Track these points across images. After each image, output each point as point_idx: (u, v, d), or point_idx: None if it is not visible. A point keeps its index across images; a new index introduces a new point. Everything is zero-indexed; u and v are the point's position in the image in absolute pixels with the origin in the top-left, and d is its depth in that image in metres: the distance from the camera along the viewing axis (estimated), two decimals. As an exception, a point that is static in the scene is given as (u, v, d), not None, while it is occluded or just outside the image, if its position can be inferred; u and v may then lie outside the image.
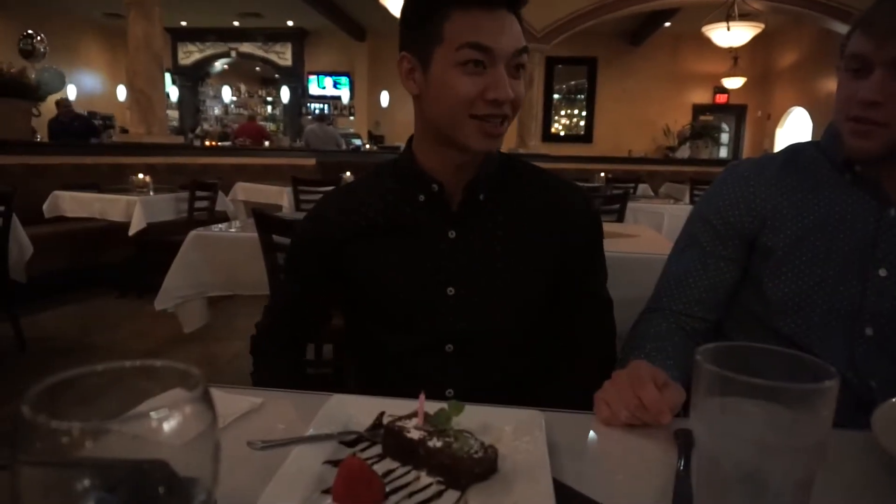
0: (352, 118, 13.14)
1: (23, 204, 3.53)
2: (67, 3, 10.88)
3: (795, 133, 11.00)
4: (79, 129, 7.37)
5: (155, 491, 0.34)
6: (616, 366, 0.99)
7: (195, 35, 13.19)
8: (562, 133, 12.80)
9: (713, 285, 1.09)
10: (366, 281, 1.04)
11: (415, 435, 0.68)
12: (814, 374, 0.49)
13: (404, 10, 0.98)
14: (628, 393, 0.77)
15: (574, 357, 1.12)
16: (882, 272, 0.96)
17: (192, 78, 13.78)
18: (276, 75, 13.66)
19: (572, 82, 12.64)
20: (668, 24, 10.67)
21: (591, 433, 0.78)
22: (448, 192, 1.02)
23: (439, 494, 0.62)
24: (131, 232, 4.18)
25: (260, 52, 13.33)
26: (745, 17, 7.96)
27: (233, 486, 0.59)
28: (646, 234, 2.78)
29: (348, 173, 5.36)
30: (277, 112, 14.31)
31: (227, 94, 14.25)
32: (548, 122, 12.47)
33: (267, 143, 9.72)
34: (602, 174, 5.96)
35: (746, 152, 12.39)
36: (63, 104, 7.50)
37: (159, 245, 4.14)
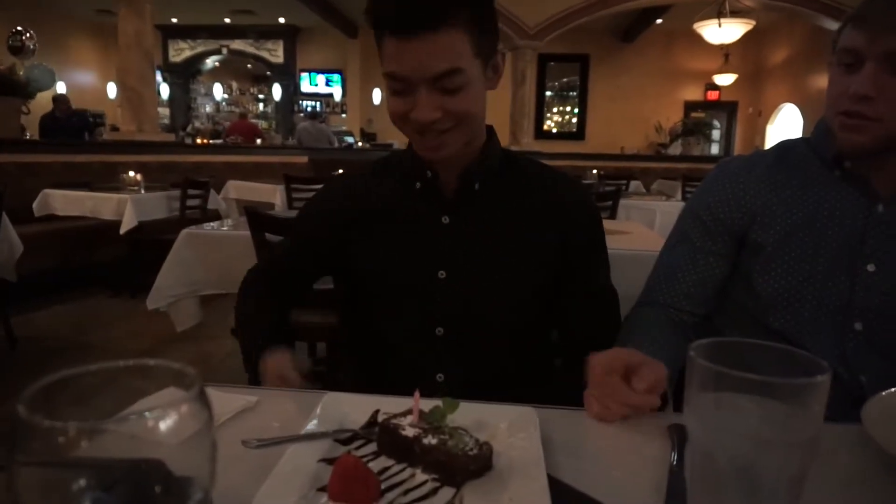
0: (344, 116, 13.11)
1: (12, 202, 3.50)
2: (59, 0, 10.79)
3: (786, 130, 11.05)
4: (77, 124, 7.35)
5: (151, 490, 0.34)
6: None
7: (186, 32, 13.12)
8: (554, 130, 12.82)
9: (702, 280, 1.10)
10: (361, 263, 1.08)
11: (410, 432, 0.68)
12: (806, 369, 0.49)
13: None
14: (612, 386, 0.78)
15: (579, 352, 1.12)
16: (870, 267, 0.97)
17: (184, 75, 13.71)
18: (268, 73, 13.61)
19: (565, 79, 12.65)
20: (659, 20, 10.70)
21: (586, 429, 0.79)
22: (443, 179, 1.05)
23: (435, 492, 0.62)
24: (122, 230, 4.16)
25: (252, 50, 13.27)
26: (736, 14, 7.99)
27: (228, 484, 0.59)
28: (638, 231, 2.79)
29: (341, 171, 5.35)
30: (269, 110, 14.26)
31: (218, 91, 14.19)
32: (540, 120, 12.47)
33: (259, 141, 9.68)
34: (594, 171, 5.98)
35: (738, 149, 12.45)
36: (62, 100, 7.49)
37: (151, 244, 4.12)
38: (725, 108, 12.67)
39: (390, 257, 1.06)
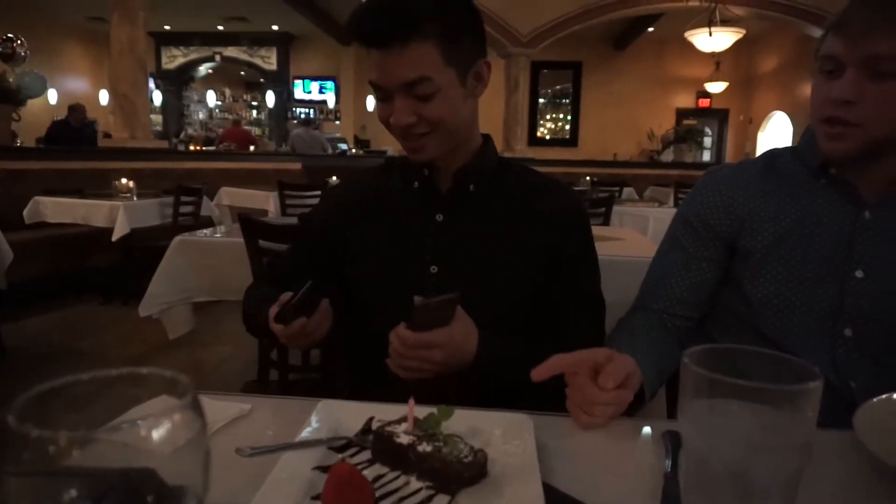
0: (338, 122, 13.11)
1: (2, 209, 3.49)
2: (50, 7, 10.75)
3: (777, 137, 11.15)
4: (89, 134, 7.36)
5: (144, 500, 0.34)
6: None
7: (179, 39, 13.10)
8: (547, 137, 12.87)
9: (694, 285, 1.11)
10: (357, 258, 1.12)
11: (404, 440, 0.68)
12: (798, 375, 0.50)
13: None
14: (587, 388, 0.79)
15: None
16: (859, 273, 0.98)
17: (177, 82, 13.68)
18: (262, 79, 13.60)
19: (557, 86, 12.71)
20: (651, 28, 10.78)
21: (580, 436, 0.79)
22: (438, 178, 1.10)
23: (429, 499, 0.62)
24: (115, 237, 4.14)
25: (245, 57, 13.27)
26: (726, 22, 8.05)
27: (221, 493, 0.59)
28: (631, 237, 2.80)
29: (334, 178, 5.34)
30: (263, 116, 14.24)
31: (211, 98, 14.17)
32: (533, 126, 12.52)
33: (252, 148, 9.67)
34: (588, 178, 6.00)
35: (729, 156, 12.53)
36: (79, 109, 7.60)
37: (143, 250, 4.11)
38: (717, 115, 12.76)
39: (384, 250, 1.10)
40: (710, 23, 7.82)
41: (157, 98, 13.06)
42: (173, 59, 13.40)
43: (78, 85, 12.48)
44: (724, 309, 1.13)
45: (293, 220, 2.79)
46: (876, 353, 0.98)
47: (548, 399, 0.85)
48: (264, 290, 1.17)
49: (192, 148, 9.58)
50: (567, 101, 12.74)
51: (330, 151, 8.81)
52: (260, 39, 12.97)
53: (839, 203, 1.00)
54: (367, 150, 10.38)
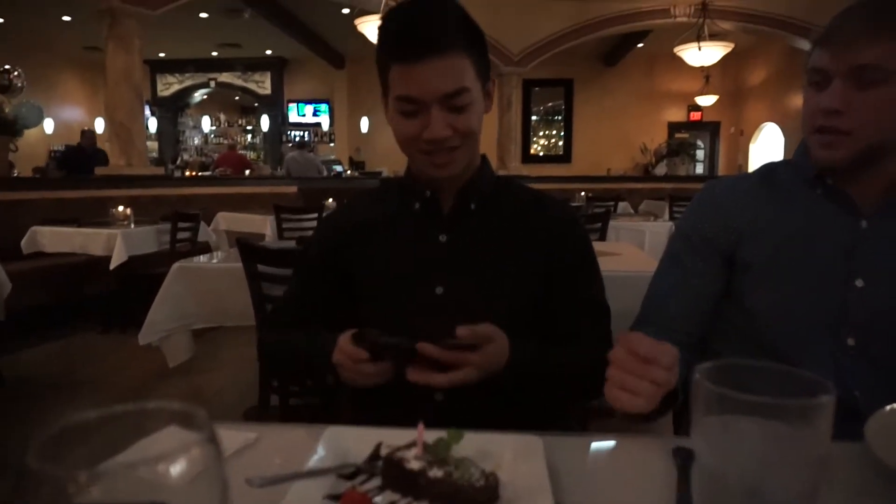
0: (332, 145, 13.16)
1: (0, 240, 3.47)
2: (47, 38, 10.84)
3: (769, 148, 11.23)
4: (102, 159, 7.38)
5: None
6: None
7: (174, 66, 13.19)
8: (541, 154, 12.94)
9: (696, 301, 1.11)
10: (363, 281, 1.11)
11: (415, 465, 0.67)
12: (810, 390, 0.50)
13: (375, 59, 1.07)
14: (634, 363, 0.76)
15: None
16: (859, 283, 0.98)
17: (172, 109, 13.75)
18: (256, 104, 13.68)
19: (550, 104, 12.81)
20: (640, 45, 10.91)
21: (591, 455, 0.78)
22: (441, 199, 1.11)
23: (442, 524, 0.62)
24: (112, 266, 4.13)
25: (239, 82, 13.36)
26: (714, 36, 8.16)
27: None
28: (628, 252, 2.81)
29: (331, 200, 5.36)
30: (258, 140, 14.29)
31: (206, 123, 14.23)
32: (527, 144, 12.59)
33: (248, 172, 9.69)
34: (582, 193, 6.02)
35: (722, 168, 12.62)
36: (89, 135, 7.78)
37: (142, 278, 4.09)
38: (708, 128, 12.87)
39: (389, 274, 1.10)
40: (698, 37, 7.93)
41: (153, 125, 13.12)
42: (168, 86, 13.49)
43: (74, 114, 12.54)
44: (726, 322, 1.13)
45: (291, 244, 2.79)
46: (880, 362, 0.98)
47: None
48: (291, 336, 1.14)
49: (187, 174, 9.61)
50: (559, 117, 12.84)
51: (325, 174, 8.84)
52: (254, 64, 13.07)
53: (837, 213, 1.01)
54: (363, 172, 10.41)
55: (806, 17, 8.00)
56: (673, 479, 0.68)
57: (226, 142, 13.45)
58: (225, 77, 13.29)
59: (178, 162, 12.10)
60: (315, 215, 4.61)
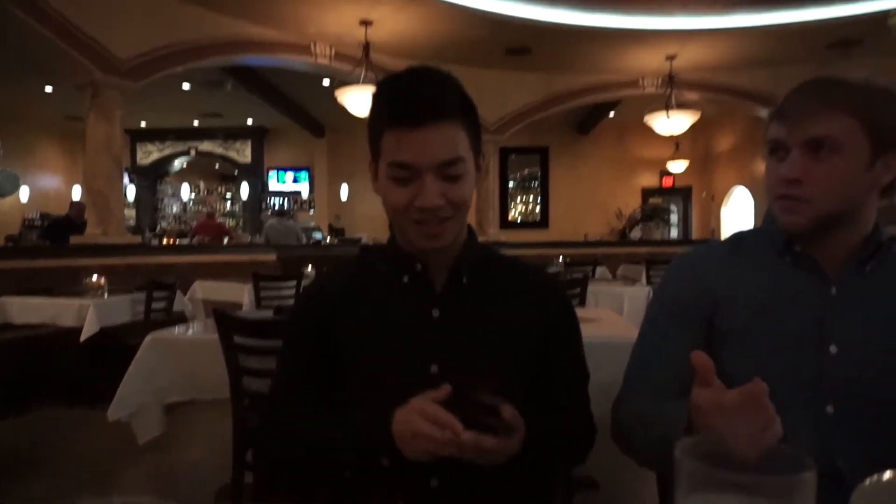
0: (312, 212, 13.26)
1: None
2: (26, 107, 10.95)
3: (739, 211, 11.57)
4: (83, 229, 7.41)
5: None
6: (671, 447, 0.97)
7: (155, 135, 13.35)
8: (519, 220, 13.16)
9: (678, 370, 1.09)
10: (351, 359, 1.05)
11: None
12: (792, 464, 0.49)
13: (367, 123, 1.05)
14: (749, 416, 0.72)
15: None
16: (833, 349, 0.99)
17: (151, 177, 13.81)
18: (236, 171, 13.80)
19: (526, 170, 13.14)
20: (612, 113, 11.34)
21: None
22: (431, 272, 1.07)
23: None
24: (83, 337, 4.01)
25: (219, 150, 13.51)
26: (682, 106, 8.54)
27: None
28: (608, 318, 2.81)
29: (310, 267, 5.34)
30: (237, 208, 14.34)
31: (185, 191, 14.28)
32: (505, 210, 12.82)
33: (226, 240, 9.66)
34: (560, 258, 6.09)
35: (695, 232, 12.92)
36: (76, 206, 7.86)
37: (113, 349, 3.98)
38: (681, 192, 13.25)
39: (381, 353, 1.04)
40: (666, 107, 8.28)
41: (132, 193, 13.13)
42: (148, 154, 13.59)
43: (51, 182, 12.53)
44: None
45: (269, 314, 2.75)
46: (860, 430, 0.98)
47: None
48: (305, 426, 1.05)
49: (165, 241, 9.55)
50: (536, 183, 13.15)
51: (304, 241, 8.85)
52: (234, 133, 13.27)
53: (807, 280, 1.03)
54: (342, 239, 10.44)
55: (766, 89, 8.43)
56: (660, 559, 0.66)
57: (205, 209, 13.46)
58: (205, 146, 13.45)
59: (157, 230, 12.05)
60: (294, 283, 4.57)
